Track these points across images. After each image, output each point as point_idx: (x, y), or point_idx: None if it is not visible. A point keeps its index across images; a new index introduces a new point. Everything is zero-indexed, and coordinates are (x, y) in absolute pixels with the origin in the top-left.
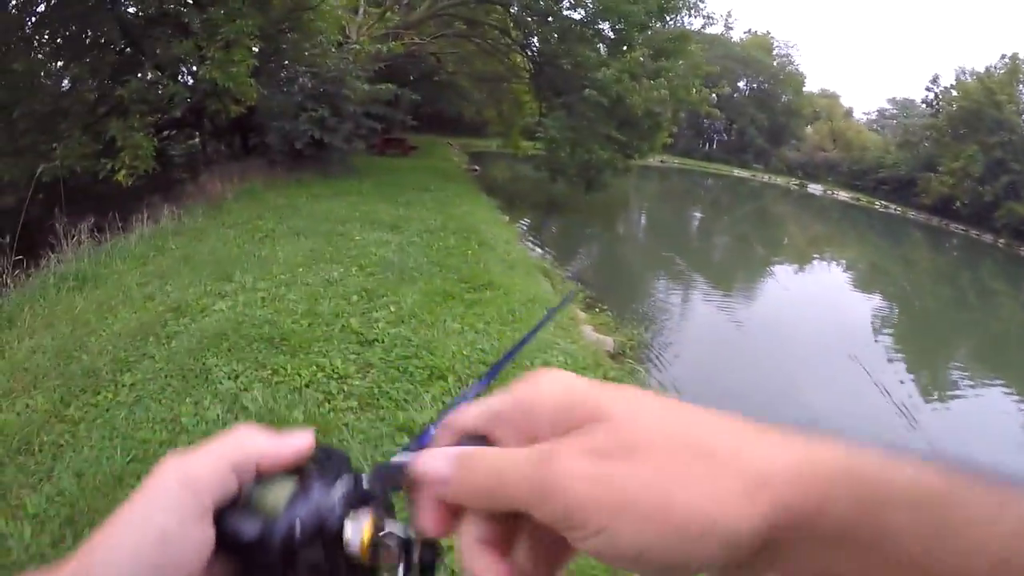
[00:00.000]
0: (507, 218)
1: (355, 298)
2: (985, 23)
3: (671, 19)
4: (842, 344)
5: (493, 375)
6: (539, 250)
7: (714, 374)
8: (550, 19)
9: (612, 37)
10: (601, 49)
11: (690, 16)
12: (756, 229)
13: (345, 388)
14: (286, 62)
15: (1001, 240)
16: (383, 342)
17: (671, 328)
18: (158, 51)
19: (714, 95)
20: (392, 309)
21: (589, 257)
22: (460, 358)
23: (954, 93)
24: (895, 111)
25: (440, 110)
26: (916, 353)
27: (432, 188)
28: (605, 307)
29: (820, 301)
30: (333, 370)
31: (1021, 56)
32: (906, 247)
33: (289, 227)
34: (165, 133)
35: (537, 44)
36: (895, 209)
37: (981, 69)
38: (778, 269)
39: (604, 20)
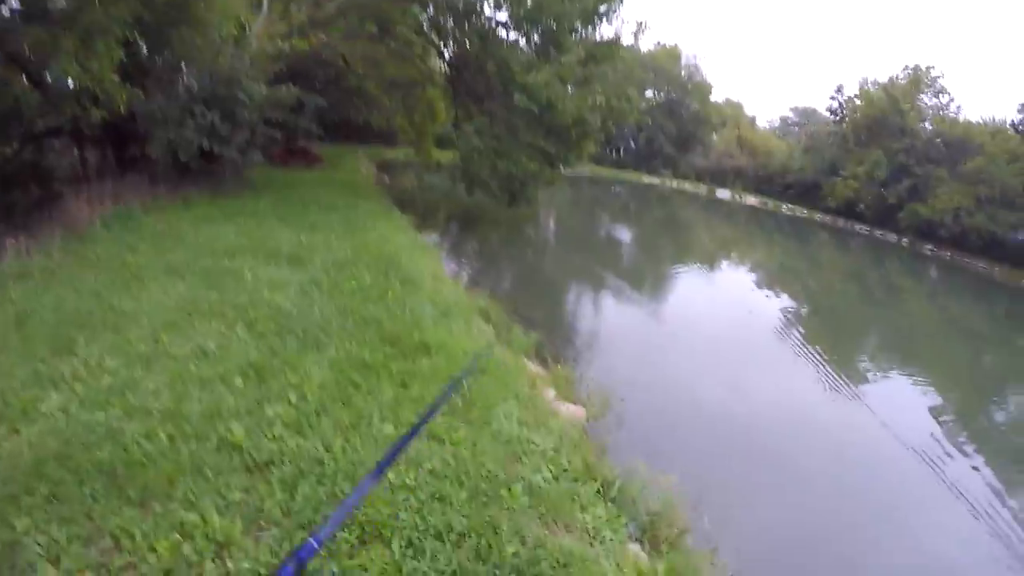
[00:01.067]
0: (424, 237)
1: (239, 381)
2: (881, 37)
3: (598, 24)
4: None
5: (378, 474)
6: (464, 275)
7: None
8: (471, 19)
9: (539, 40)
10: (522, 53)
11: (617, 22)
12: (672, 234)
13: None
14: (170, 60)
15: (904, 239)
16: (281, 465)
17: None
18: None
19: (643, 103)
20: (292, 400)
21: (521, 281)
22: (402, 494)
23: (858, 102)
24: (796, 119)
25: (348, 118)
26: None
27: (340, 205)
28: (557, 354)
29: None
30: (207, 534)
31: (923, 67)
32: (820, 248)
33: (165, 263)
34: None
35: (454, 47)
36: (802, 212)
37: (882, 79)
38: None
39: (534, 21)
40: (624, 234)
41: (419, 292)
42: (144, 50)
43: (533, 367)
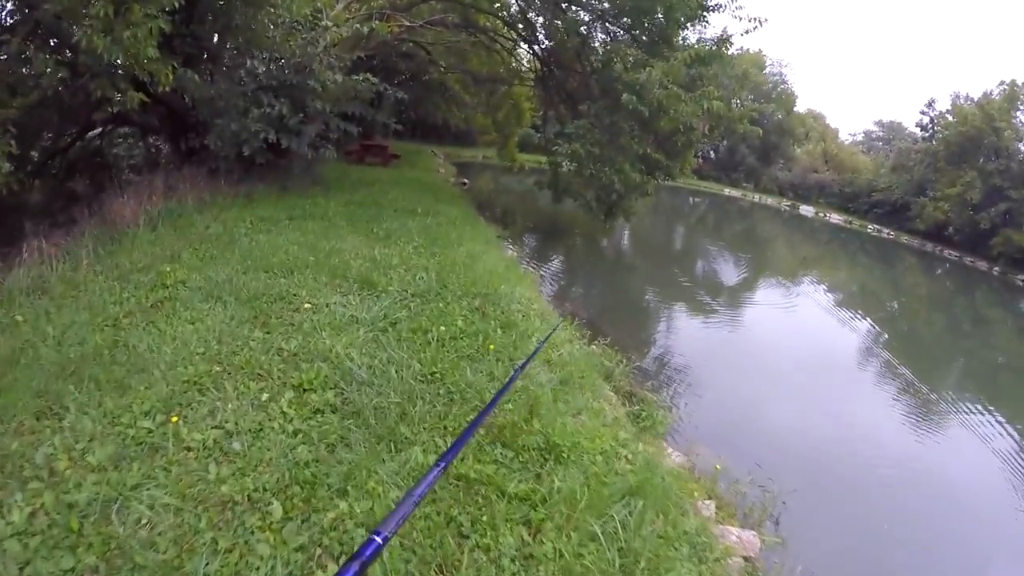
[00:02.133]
0: (510, 249)
1: (275, 508)
2: (974, 49)
3: (707, 18)
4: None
5: (443, 467)
6: (558, 299)
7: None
8: (568, 9)
9: (646, 37)
10: (629, 49)
11: (728, 16)
12: (756, 250)
13: None
14: (233, 42)
15: (996, 268)
16: None
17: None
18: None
19: (754, 112)
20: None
21: (612, 303)
22: None
23: (950, 118)
24: (882, 133)
25: (426, 115)
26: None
27: (419, 210)
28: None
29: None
30: None
31: (1019, 82)
32: (905, 272)
33: (207, 280)
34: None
35: (547, 41)
36: (888, 233)
37: (974, 94)
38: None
39: (643, 12)
40: (706, 250)
41: (526, 341)
42: (199, 26)
43: (674, 456)
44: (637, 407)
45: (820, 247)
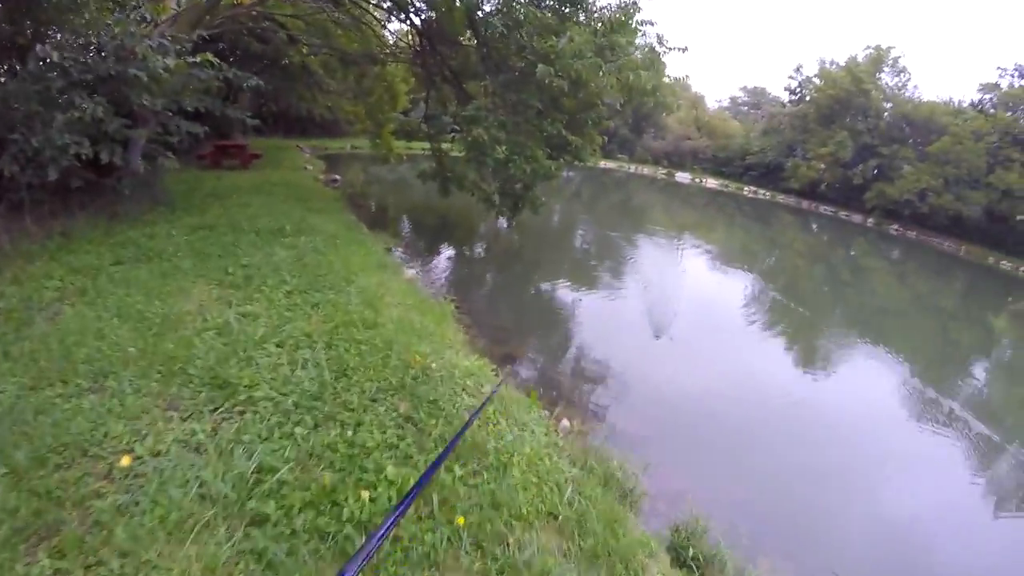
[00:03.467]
0: (412, 270)
1: None
2: (831, 17)
3: None
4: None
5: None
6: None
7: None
8: None
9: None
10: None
11: None
12: (635, 219)
13: None
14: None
15: (871, 220)
16: None
17: None
18: None
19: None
20: None
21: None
22: None
23: (817, 81)
24: (748, 99)
25: (287, 106)
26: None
27: (288, 228)
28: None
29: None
30: None
31: (883, 47)
32: (784, 229)
33: None
34: None
35: (426, 9)
36: (764, 194)
37: (839, 59)
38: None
39: None
40: (587, 227)
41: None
42: None
43: None
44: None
45: (698, 211)
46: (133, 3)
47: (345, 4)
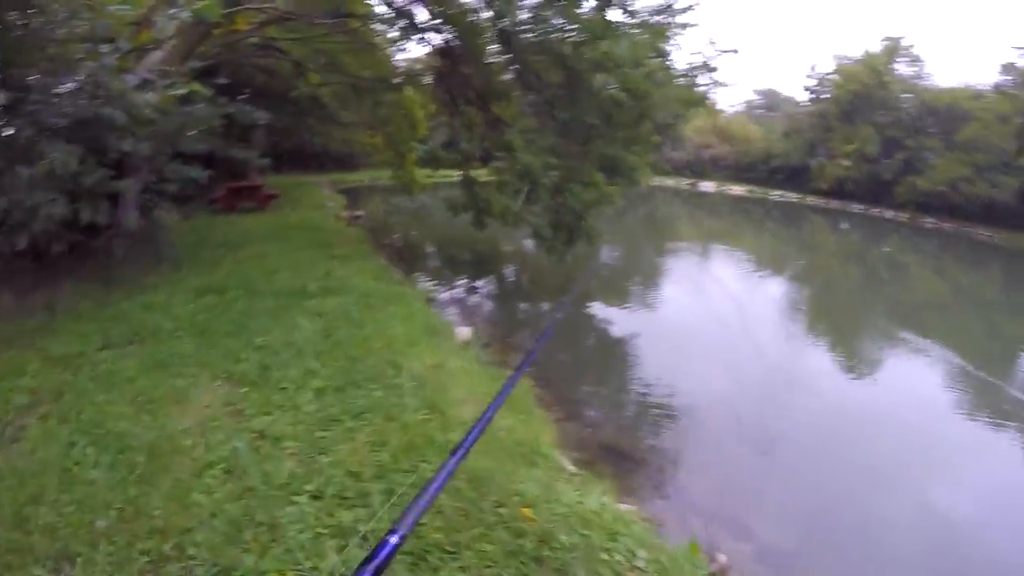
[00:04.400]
0: (467, 328)
1: None
2: (833, 16)
3: None
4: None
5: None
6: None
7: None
8: None
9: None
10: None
11: None
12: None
13: None
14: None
15: (903, 214)
16: None
17: None
18: None
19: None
20: None
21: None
22: None
23: (835, 78)
24: (762, 101)
25: (302, 142)
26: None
27: (312, 285)
28: None
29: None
30: None
31: (894, 37)
32: (815, 231)
33: None
34: None
35: (446, 27)
36: (792, 197)
37: (854, 55)
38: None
39: None
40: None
41: None
42: None
43: None
44: None
45: (724, 219)
46: (106, 34)
47: (354, 27)
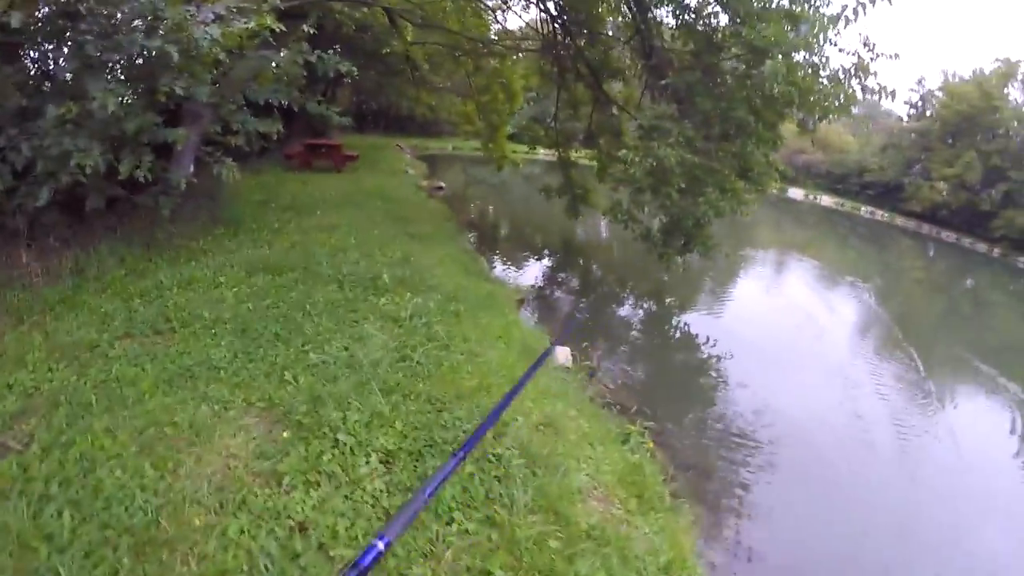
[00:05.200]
0: (561, 356)
1: None
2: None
3: None
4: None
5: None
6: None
7: None
8: None
9: None
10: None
11: None
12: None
13: None
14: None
15: (997, 250)
16: None
17: None
18: None
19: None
20: None
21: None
22: None
23: (941, 95)
24: (858, 112)
25: (388, 104)
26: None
27: (387, 275)
28: None
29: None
30: None
31: (1013, 59)
32: (901, 256)
33: None
34: None
35: None
36: (883, 215)
37: (964, 73)
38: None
39: None
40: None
41: None
42: None
43: None
44: None
45: (809, 230)
46: None
47: None
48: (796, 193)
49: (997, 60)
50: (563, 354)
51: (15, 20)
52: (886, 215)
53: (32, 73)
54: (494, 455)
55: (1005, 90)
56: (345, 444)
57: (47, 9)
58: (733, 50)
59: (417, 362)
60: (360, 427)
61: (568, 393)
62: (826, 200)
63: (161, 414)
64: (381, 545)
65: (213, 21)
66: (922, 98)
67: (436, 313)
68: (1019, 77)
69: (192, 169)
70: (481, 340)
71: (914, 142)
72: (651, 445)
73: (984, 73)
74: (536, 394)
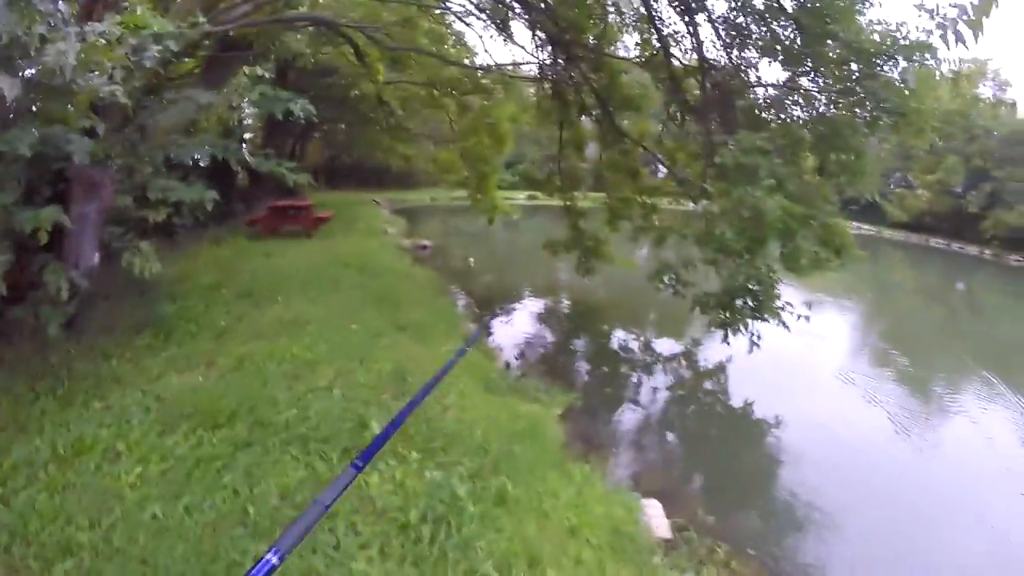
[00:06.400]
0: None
1: None
2: None
3: None
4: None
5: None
6: None
7: None
8: None
9: None
10: None
11: None
12: None
13: None
14: None
15: (987, 251)
16: None
17: None
18: None
19: None
20: None
21: None
22: None
23: None
24: None
25: (361, 157)
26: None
27: (374, 423)
28: None
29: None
30: None
31: (981, 58)
32: (896, 268)
33: None
34: None
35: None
36: (870, 229)
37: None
38: None
39: None
40: None
41: None
42: None
43: None
44: None
45: None
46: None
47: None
48: None
49: (964, 62)
50: (662, 526)
51: None
52: (874, 229)
53: None
54: None
55: (977, 90)
56: None
57: None
58: (835, 54)
59: None
60: None
61: None
62: None
63: None
64: (275, 559)
65: (81, 41)
66: None
67: (468, 500)
68: (989, 75)
69: (96, 260)
70: (549, 543)
71: (892, 151)
72: None
73: (957, 73)
74: None
